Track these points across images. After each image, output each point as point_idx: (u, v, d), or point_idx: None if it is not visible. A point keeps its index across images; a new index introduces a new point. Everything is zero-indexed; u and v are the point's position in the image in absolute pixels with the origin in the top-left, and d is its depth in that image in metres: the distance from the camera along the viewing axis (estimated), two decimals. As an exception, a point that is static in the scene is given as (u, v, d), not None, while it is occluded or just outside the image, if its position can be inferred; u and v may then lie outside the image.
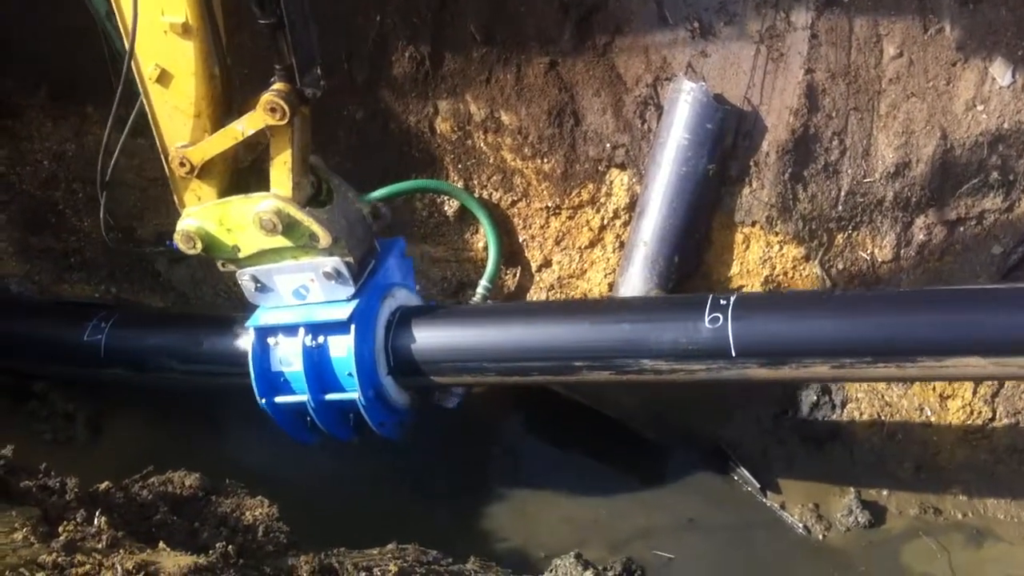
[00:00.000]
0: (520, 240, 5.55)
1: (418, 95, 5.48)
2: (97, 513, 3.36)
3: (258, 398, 4.37)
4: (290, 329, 4.35)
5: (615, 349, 4.21)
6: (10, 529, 3.15)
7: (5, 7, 5.17)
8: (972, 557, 4.37)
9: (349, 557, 3.63)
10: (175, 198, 4.28)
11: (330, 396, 4.36)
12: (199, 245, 4.24)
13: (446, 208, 5.59)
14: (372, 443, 4.99)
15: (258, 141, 4.16)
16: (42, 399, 4.94)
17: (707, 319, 4.03)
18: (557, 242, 5.46)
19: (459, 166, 5.54)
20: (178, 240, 4.26)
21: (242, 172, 4.30)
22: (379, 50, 5.46)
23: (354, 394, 4.31)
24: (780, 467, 4.78)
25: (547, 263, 5.50)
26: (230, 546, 3.33)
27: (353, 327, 4.29)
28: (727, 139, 5.00)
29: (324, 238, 4.18)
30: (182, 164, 4.10)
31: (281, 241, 4.20)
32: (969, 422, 4.74)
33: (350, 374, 4.29)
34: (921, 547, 4.41)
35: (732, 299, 4.09)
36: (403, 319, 4.50)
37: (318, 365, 4.33)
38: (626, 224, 5.28)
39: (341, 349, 4.30)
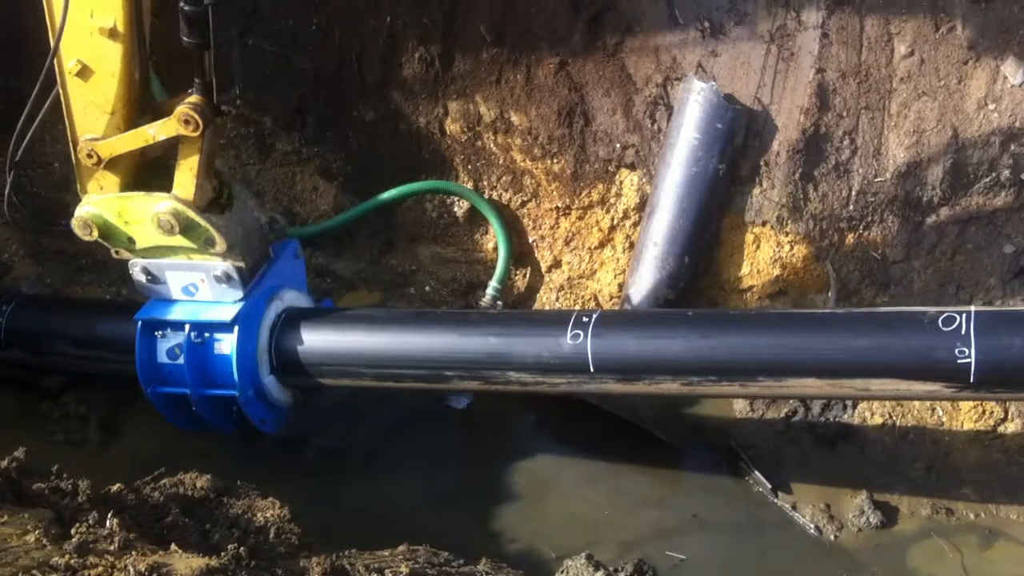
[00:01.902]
0: (530, 241, 5.55)
1: (428, 96, 5.49)
2: (109, 515, 3.37)
3: (142, 387, 4.53)
4: (177, 324, 4.50)
5: (482, 361, 4.40)
6: (23, 531, 3.16)
7: (18, 7, 5.18)
8: (984, 558, 4.33)
9: (360, 558, 3.63)
10: (77, 183, 4.41)
11: (211, 391, 4.52)
12: (95, 232, 4.38)
13: (456, 209, 5.60)
14: (381, 444, 5.01)
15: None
16: (55, 400, 4.96)
17: (569, 335, 4.23)
18: (567, 243, 5.46)
19: (469, 167, 5.55)
20: (75, 225, 4.40)
21: (147, 165, 4.42)
22: (389, 51, 5.47)
23: (235, 392, 4.48)
24: (792, 467, 4.76)
25: (557, 264, 5.50)
26: (242, 548, 3.33)
27: (237, 328, 4.44)
28: (737, 139, 4.99)
29: (220, 244, 4.35)
30: (89, 156, 4.25)
31: (177, 240, 4.36)
32: (981, 422, 4.72)
33: (232, 372, 4.45)
34: (933, 548, 4.38)
35: (594, 316, 4.28)
36: (289, 321, 4.65)
37: (202, 361, 4.50)
38: (636, 224, 5.28)
39: (225, 348, 4.46)
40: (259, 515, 3.81)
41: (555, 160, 5.37)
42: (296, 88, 5.67)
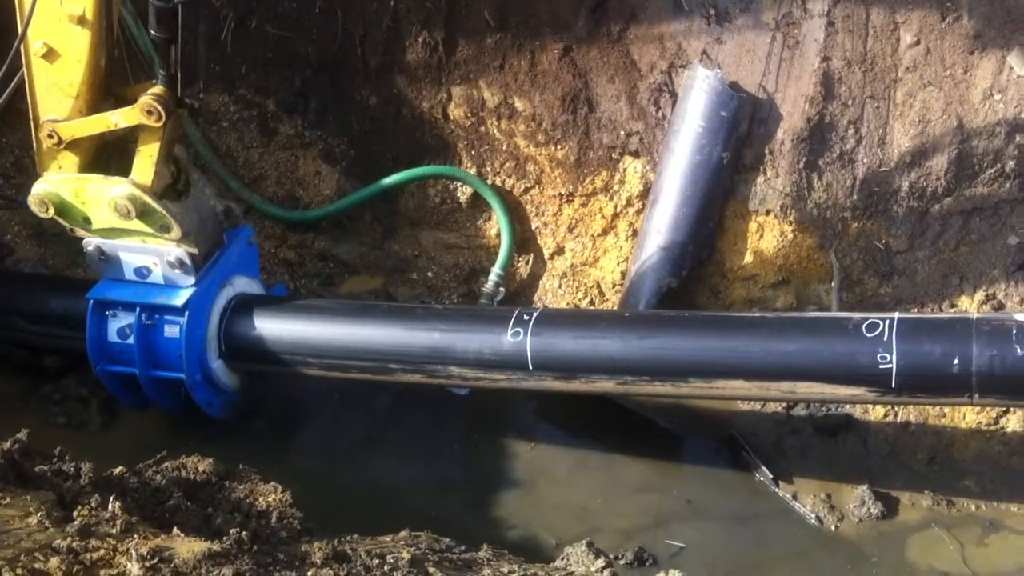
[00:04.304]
0: (533, 227, 5.54)
1: (431, 81, 5.47)
2: (111, 498, 3.35)
3: (92, 365, 4.63)
4: (128, 305, 4.57)
5: (425, 356, 4.51)
6: (25, 513, 3.15)
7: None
8: (985, 549, 4.34)
9: (362, 544, 3.63)
10: (36, 161, 4.48)
11: (160, 373, 4.61)
12: (51, 210, 4.46)
13: (459, 194, 5.58)
14: (383, 431, 5.01)
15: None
16: (55, 383, 4.95)
17: (509, 333, 4.35)
18: (570, 229, 5.45)
19: (472, 152, 5.53)
20: (32, 202, 4.48)
21: (106, 147, 4.50)
22: (393, 35, 5.45)
23: (183, 375, 4.57)
24: (793, 457, 4.75)
25: (560, 250, 5.49)
26: (244, 532, 3.32)
27: (187, 313, 4.52)
28: (742, 127, 4.98)
29: (176, 230, 4.44)
30: (50, 136, 4.33)
31: (134, 224, 4.43)
32: (983, 413, 4.71)
33: (181, 355, 4.54)
34: (934, 538, 4.37)
35: (535, 315, 4.40)
36: (239, 307, 4.74)
37: (151, 343, 4.59)
38: (639, 212, 5.27)
39: (174, 332, 4.56)
40: (261, 499, 3.80)
41: (559, 146, 5.35)
42: (299, 71, 5.65)
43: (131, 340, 4.55)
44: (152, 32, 4.09)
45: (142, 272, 4.59)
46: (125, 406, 4.86)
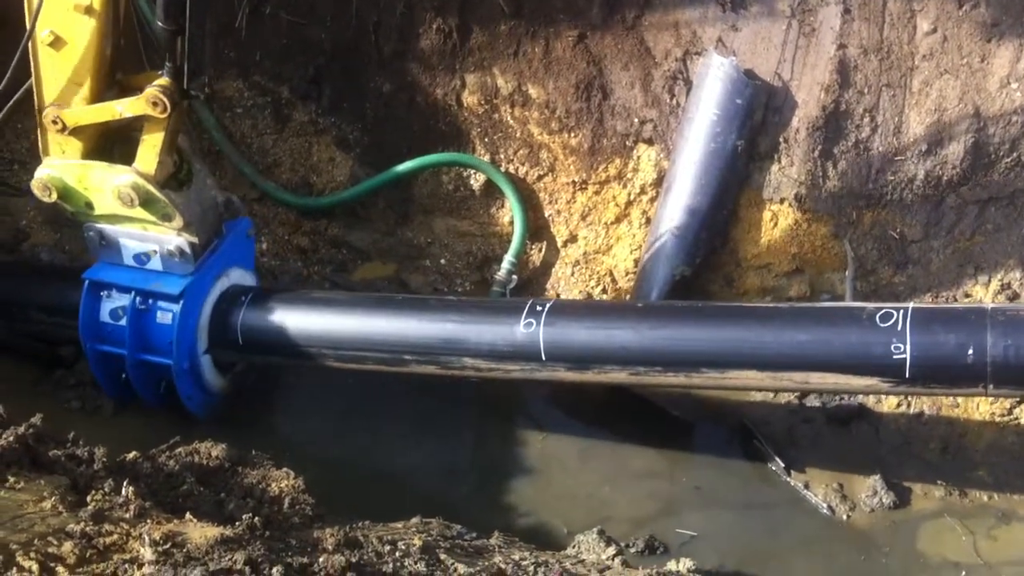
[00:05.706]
0: (546, 215, 5.53)
1: (445, 68, 5.46)
2: (125, 483, 3.37)
3: (82, 342, 4.67)
4: (123, 288, 4.61)
5: (439, 347, 4.50)
6: (39, 498, 3.16)
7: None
8: (997, 539, 4.32)
9: (374, 530, 3.64)
10: (40, 146, 4.52)
11: (148, 357, 4.62)
12: (54, 195, 4.51)
13: (472, 182, 5.58)
14: (395, 418, 5.02)
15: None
16: (70, 368, 4.97)
17: (522, 324, 4.35)
18: (583, 217, 5.44)
19: (485, 140, 5.52)
20: (35, 186, 4.52)
21: (110, 134, 4.52)
22: (406, 22, 5.44)
23: (170, 360, 4.58)
24: (805, 446, 4.75)
25: (573, 238, 5.48)
26: (256, 518, 3.33)
27: (182, 303, 4.56)
28: (757, 115, 4.96)
29: (178, 220, 4.48)
30: (55, 122, 4.37)
31: (136, 212, 4.47)
32: (997, 404, 4.69)
33: (171, 343, 4.56)
34: (946, 528, 4.37)
35: (547, 306, 4.40)
36: (233, 298, 4.76)
37: (143, 327, 4.61)
38: (653, 200, 5.26)
39: (167, 318, 4.59)
40: (273, 485, 3.81)
41: (572, 134, 5.34)
42: (313, 58, 5.65)
43: (123, 322, 4.59)
44: (159, 24, 4.12)
45: (141, 259, 4.63)
46: (106, 394, 4.86)
